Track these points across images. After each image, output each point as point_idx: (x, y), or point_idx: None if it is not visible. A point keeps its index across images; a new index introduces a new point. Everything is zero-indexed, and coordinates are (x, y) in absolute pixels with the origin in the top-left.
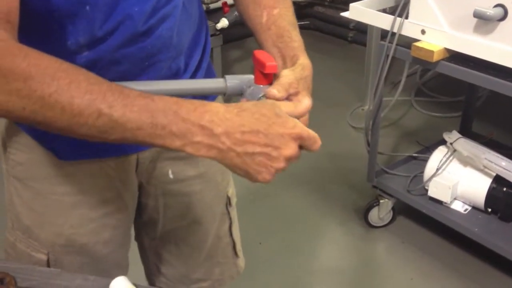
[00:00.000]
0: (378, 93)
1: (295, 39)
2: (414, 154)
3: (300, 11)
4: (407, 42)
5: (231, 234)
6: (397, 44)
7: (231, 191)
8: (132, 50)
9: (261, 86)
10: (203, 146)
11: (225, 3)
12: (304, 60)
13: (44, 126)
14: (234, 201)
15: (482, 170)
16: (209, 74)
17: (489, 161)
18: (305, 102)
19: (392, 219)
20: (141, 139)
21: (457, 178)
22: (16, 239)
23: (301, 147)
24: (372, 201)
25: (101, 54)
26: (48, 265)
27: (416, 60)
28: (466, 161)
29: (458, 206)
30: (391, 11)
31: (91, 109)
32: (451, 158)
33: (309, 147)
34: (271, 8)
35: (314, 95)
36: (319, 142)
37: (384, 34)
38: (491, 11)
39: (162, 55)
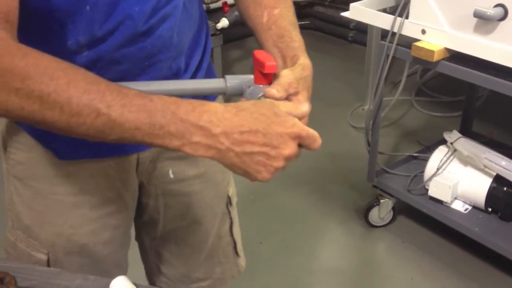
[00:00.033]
0: (378, 92)
1: (296, 39)
2: (415, 154)
3: (300, 11)
4: (408, 42)
5: (231, 234)
6: (397, 44)
7: (232, 191)
8: (132, 50)
9: (261, 86)
10: (202, 147)
11: (225, 3)
12: (304, 60)
13: (44, 125)
14: (234, 200)
15: (483, 170)
16: (210, 74)
17: (490, 160)
18: (304, 105)
19: (393, 219)
20: (139, 139)
21: (458, 177)
22: (17, 239)
23: (301, 146)
24: (372, 200)
25: (101, 54)
26: (48, 265)
27: (417, 60)
28: (466, 161)
29: (459, 206)
30: (391, 11)
31: (90, 109)
32: (451, 157)
33: (309, 146)
34: (271, 8)
35: (314, 95)
36: (319, 141)
37: (384, 34)
38: (491, 11)
39: (163, 55)
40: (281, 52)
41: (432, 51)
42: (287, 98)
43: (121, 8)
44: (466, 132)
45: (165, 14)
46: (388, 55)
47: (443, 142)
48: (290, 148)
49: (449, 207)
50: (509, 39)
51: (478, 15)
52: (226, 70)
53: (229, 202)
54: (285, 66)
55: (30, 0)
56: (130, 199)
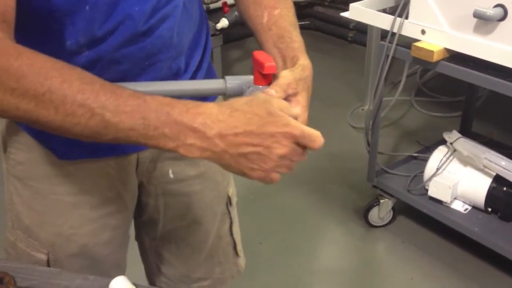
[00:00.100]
0: (378, 93)
1: (296, 40)
2: (414, 154)
3: (300, 11)
4: (407, 42)
5: (231, 234)
6: (397, 44)
7: (232, 191)
8: (132, 50)
9: (260, 86)
10: (197, 148)
11: (225, 3)
12: (304, 61)
13: (39, 125)
14: (234, 200)
15: (482, 170)
16: (210, 74)
17: (489, 160)
18: (296, 109)
19: (392, 219)
20: (134, 139)
21: (457, 177)
22: (17, 239)
23: (302, 146)
24: (372, 201)
25: (101, 54)
26: (48, 265)
27: (416, 60)
28: (466, 161)
29: (458, 206)
30: (391, 11)
31: (84, 109)
32: (451, 158)
33: (307, 145)
34: (272, 9)
35: (314, 95)
36: (318, 140)
37: (384, 34)
38: (491, 11)
39: (162, 55)
40: (281, 53)
41: (432, 51)
42: (286, 99)
43: (121, 8)
44: (466, 132)
45: (165, 14)
46: (387, 55)
47: (443, 142)
48: (283, 147)
49: (449, 207)
50: (509, 40)
51: (477, 15)
52: (226, 70)
53: (229, 202)
54: (285, 66)
55: (30, 0)
56: (129, 199)
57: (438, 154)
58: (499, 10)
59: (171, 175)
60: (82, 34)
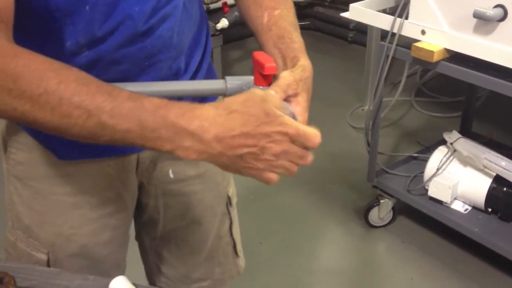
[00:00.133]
0: (378, 93)
1: (296, 40)
2: (414, 154)
3: (300, 12)
4: (407, 43)
5: (231, 234)
6: (397, 45)
7: (232, 191)
8: (132, 50)
9: (260, 87)
10: (194, 151)
11: (225, 3)
12: (304, 62)
13: (37, 126)
14: (234, 201)
15: (482, 170)
16: (210, 75)
17: (489, 161)
18: (297, 109)
19: (392, 219)
20: (131, 141)
21: (457, 178)
22: (17, 239)
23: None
24: (372, 201)
25: (101, 54)
26: (48, 265)
27: (416, 61)
28: (466, 161)
29: (458, 206)
30: (391, 11)
31: (80, 110)
32: (451, 158)
33: (304, 144)
34: (272, 9)
35: (314, 95)
36: (314, 139)
37: (384, 34)
38: (491, 12)
39: (162, 55)
40: (281, 53)
41: (432, 52)
42: (286, 99)
43: (121, 8)
44: (466, 132)
45: (165, 14)
46: (388, 56)
47: (443, 142)
48: (278, 146)
49: (449, 208)
50: (509, 40)
51: (477, 15)
52: (226, 70)
53: (229, 202)
54: (285, 67)
55: (29, 0)
56: (129, 199)
57: (438, 154)
58: (499, 11)
59: (171, 175)
60: (82, 34)
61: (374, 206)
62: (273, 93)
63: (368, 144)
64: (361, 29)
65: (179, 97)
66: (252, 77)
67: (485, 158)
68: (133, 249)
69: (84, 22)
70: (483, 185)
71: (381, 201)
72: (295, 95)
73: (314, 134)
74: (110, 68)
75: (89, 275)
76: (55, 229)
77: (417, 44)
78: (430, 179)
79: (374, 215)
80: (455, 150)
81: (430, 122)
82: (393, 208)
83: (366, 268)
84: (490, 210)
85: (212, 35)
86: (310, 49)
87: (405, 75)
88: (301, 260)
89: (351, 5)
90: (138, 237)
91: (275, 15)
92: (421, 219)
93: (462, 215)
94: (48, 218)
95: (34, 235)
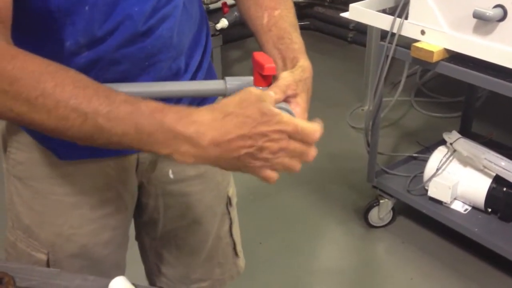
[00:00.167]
0: (378, 93)
1: (296, 41)
2: (414, 154)
3: (300, 12)
4: (407, 43)
5: (231, 234)
6: (396, 45)
7: (232, 191)
8: (132, 50)
9: (260, 88)
10: (191, 156)
11: (224, 4)
12: (304, 62)
13: (34, 127)
14: (234, 201)
15: (482, 170)
16: (210, 75)
17: (489, 161)
18: (296, 110)
19: (392, 219)
20: (128, 144)
21: (457, 178)
22: (17, 239)
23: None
24: (372, 201)
25: (101, 54)
26: (48, 265)
27: (416, 61)
28: (466, 161)
29: (458, 206)
30: (391, 11)
31: (76, 113)
32: (451, 158)
33: (303, 141)
34: (272, 10)
35: (314, 95)
36: (312, 135)
37: (383, 34)
38: (490, 12)
39: (162, 55)
40: (281, 54)
41: (432, 52)
42: (286, 100)
43: (120, 8)
44: (466, 132)
45: (165, 14)
46: (387, 56)
47: (443, 142)
48: (276, 145)
49: (448, 208)
50: (509, 40)
51: (477, 15)
52: (226, 70)
53: (229, 202)
54: (285, 67)
55: (29, 0)
56: (129, 199)
57: (438, 155)
58: (499, 11)
59: (171, 176)
60: (81, 34)
61: (374, 206)
62: (273, 94)
63: (368, 144)
64: (361, 29)
65: (178, 98)
66: (251, 78)
67: (485, 158)
68: (133, 249)
69: (84, 22)
70: (483, 185)
71: (381, 201)
72: (295, 95)
73: (313, 130)
74: (110, 68)
75: (88, 275)
76: (55, 229)
77: (416, 44)
78: (430, 179)
79: (374, 215)
80: (455, 150)
81: (429, 122)
82: (393, 208)
83: (366, 268)
84: (490, 210)
85: (212, 35)
86: (310, 49)
87: (404, 75)
88: (301, 260)
89: (351, 5)
90: (138, 237)
91: (275, 16)
92: (421, 219)
93: (462, 215)
94: (48, 218)
95: (34, 235)
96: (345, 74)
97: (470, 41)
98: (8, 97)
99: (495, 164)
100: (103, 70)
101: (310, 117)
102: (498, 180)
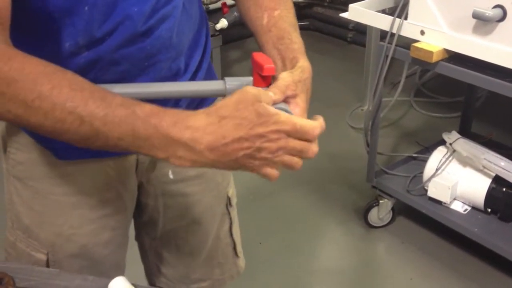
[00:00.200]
0: (377, 93)
1: (295, 41)
2: (414, 155)
3: (300, 12)
4: (406, 43)
5: (231, 235)
6: (396, 45)
7: (231, 191)
8: (131, 50)
9: (260, 88)
10: (187, 160)
11: (224, 4)
12: (303, 63)
13: (31, 129)
14: (234, 201)
15: (482, 171)
16: (210, 75)
17: (489, 161)
18: (295, 111)
19: (392, 219)
20: (125, 147)
21: (457, 178)
22: (17, 239)
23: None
24: (371, 201)
25: (101, 54)
26: (48, 265)
27: (416, 61)
28: (465, 162)
29: (458, 206)
30: (390, 11)
31: (73, 116)
32: (450, 158)
33: (303, 138)
34: (272, 10)
35: (313, 95)
36: (312, 132)
37: (383, 34)
38: (490, 12)
39: (162, 56)
40: (281, 54)
41: (431, 52)
42: (285, 100)
43: (120, 9)
44: (465, 132)
45: (165, 14)
46: (387, 56)
47: (442, 142)
48: (275, 144)
49: (448, 208)
50: (508, 40)
51: (477, 16)
52: (225, 70)
53: (228, 202)
54: (284, 68)
55: (28, 0)
56: (129, 199)
57: (438, 155)
58: (498, 11)
59: (171, 176)
60: (81, 34)
61: (373, 207)
62: (272, 95)
63: (368, 144)
64: (361, 30)
65: (178, 98)
66: (251, 78)
67: (485, 159)
68: (133, 249)
69: (83, 22)
70: (483, 186)
71: (381, 201)
72: (294, 96)
73: (312, 127)
74: (109, 68)
75: (88, 275)
76: (55, 229)
77: (416, 44)
78: (429, 179)
79: (374, 216)
80: (454, 151)
81: (429, 122)
82: (392, 209)
83: (366, 268)
84: (489, 210)
85: (211, 36)
86: (310, 50)
87: (404, 75)
88: (301, 260)
89: (351, 6)
90: (138, 237)
91: (275, 16)
92: (421, 219)
93: (461, 216)
94: (48, 218)
95: (34, 235)
96: (344, 74)
97: (469, 41)
98: (6, 99)
99: (494, 164)
100: (103, 70)
101: (310, 118)
102: (497, 180)
